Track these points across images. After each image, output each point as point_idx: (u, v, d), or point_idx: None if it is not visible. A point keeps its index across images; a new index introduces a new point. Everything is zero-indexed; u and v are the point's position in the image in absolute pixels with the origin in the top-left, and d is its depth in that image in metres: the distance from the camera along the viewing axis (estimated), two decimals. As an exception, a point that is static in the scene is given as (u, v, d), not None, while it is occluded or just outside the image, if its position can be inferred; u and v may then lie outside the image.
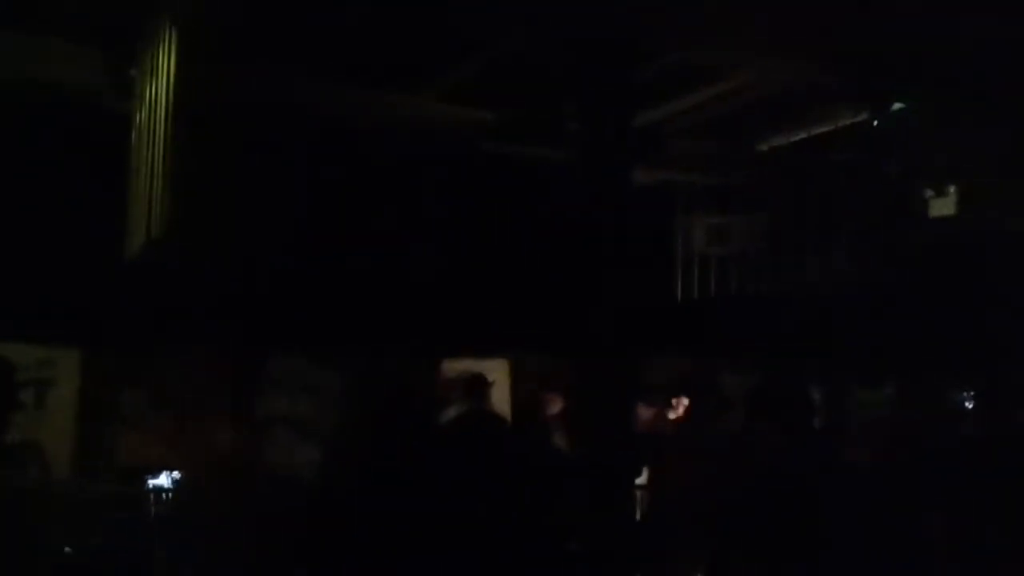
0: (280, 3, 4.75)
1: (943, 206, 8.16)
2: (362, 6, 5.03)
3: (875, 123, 6.30)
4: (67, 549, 4.17)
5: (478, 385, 5.99)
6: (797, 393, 3.39)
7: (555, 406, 6.16)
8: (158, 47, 4.30)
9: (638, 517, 5.06)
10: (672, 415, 6.39)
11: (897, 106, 6.08)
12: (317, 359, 5.74)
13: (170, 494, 5.31)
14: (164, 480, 5.49)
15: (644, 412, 6.18)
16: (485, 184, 6.73)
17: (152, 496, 5.44)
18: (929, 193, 8.13)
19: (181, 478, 5.10)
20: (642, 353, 6.84)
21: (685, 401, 6.06)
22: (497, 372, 7.07)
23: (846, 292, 8.50)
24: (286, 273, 5.36)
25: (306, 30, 5.12)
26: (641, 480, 5.38)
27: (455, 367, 6.66)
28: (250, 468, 3.90)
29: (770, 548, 2.68)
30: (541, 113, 6.24)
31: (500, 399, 6.95)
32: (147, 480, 5.52)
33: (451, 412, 5.25)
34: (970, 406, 5.97)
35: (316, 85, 5.70)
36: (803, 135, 7.43)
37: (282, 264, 5.21)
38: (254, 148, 4.01)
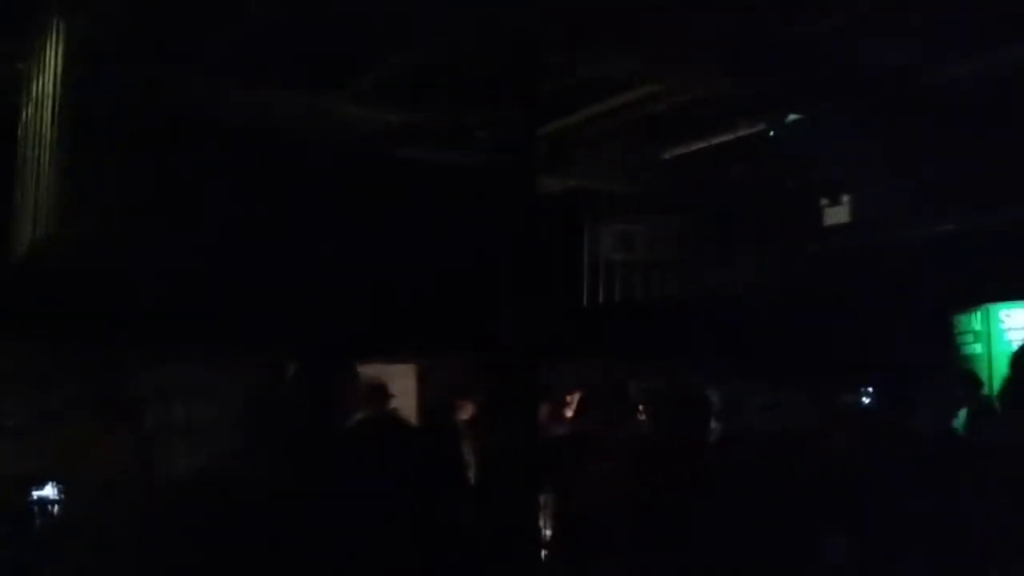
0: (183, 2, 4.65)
1: (837, 215, 8.48)
2: (273, 6, 4.96)
3: (772, 133, 6.49)
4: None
5: (378, 390, 5.94)
6: (692, 396, 3.46)
7: (466, 412, 6.15)
8: (46, 41, 4.14)
9: (543, 522, 5.08)
10: (568, 412, 6.46)
11: (793, 117, 6.27)
12: (215, 365, 5.61)
13: (55, 505, 5.10)
14: (49, 491, 5.26)
15: (541, 410, 6.21)
16: (393, 188, 6.69)
17: (36, 508, 5.20)
18: (824, 202, 8.45)
19: (67, 488, 4.89)
20: (550, 358, 6.90)
21: (578, 397, 6.14)
22: (404, 377, 7.03)
23: (747, 298, 8.74)
24: (181, 276, 5.22)
25: (213, 29, 5.02)
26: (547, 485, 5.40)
27: (361, 372, 6.58)
28: (141, 476, 3.78)
29: (662, 548, 2.72)
30: (449, 118, 6.24)
31: (407, 404, 6.90)
32: (31, 491, 5.28)
33: (354, 417, 5.18)
34: (868, 408, 6.19)
35: (220, 84, 5.58)
36: (704, 144, 7.60)
37: (177, 267, 5.08)
38: (150, 147, 3.89)
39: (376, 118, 6.43)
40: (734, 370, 7.14)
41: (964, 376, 6.67)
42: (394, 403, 6.84)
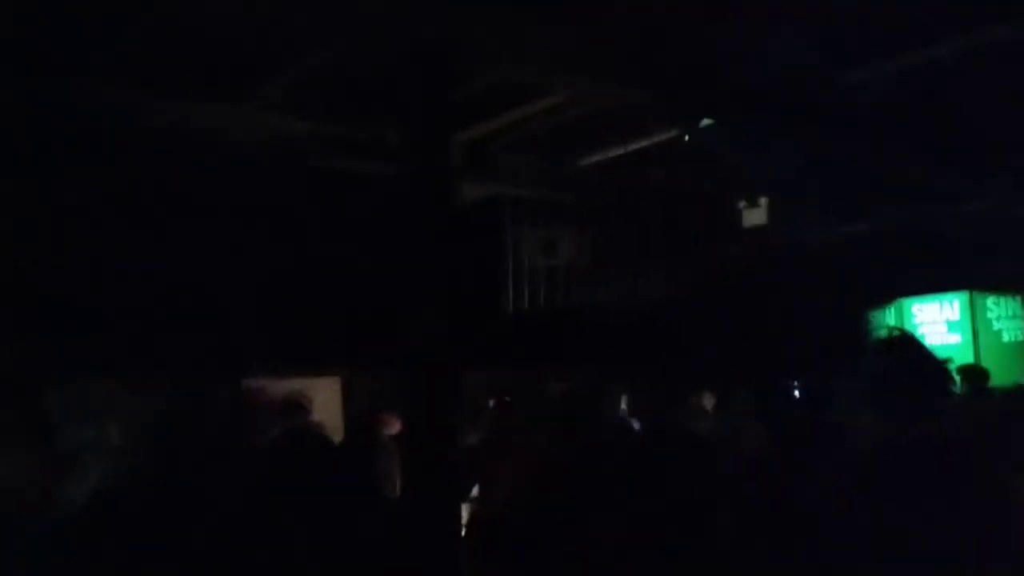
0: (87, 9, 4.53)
1: (755, 217, 8.65)
2: (186, 12, 4.86)
3: (686, 138, 6.58)
4: None
5: (296, 404, 5.82)
6: (582, 399, 3.48)
7: (392, 426, 6.03)
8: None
9: (464, 530, 5.04)
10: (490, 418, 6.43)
11: (706, 122, 6.37)
12: (127, 383, 5.43)
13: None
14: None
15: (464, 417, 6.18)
16: (309, 197, 6.59)
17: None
18: (742, 204, 8.61)
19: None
20: (472, 366, 6.87)
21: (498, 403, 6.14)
22: (327, 390, 6.92)
23: (666, 303, 8.85)
24: (85, 291, 5.05)
25: (117, 36, 4.89)
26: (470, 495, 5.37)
27: (282, 385, 6.46)
28: (50, 499, 3.62)
29: (562, 548, 2.72)
30: (361, 126, 6.18)
31: (331, 418, 6.79)
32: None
33: (273, 431, 5.07)
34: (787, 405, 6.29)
35: (124, 91, 5.44)
36: (623, 151, 7.68)
37: (81, 282, 4.91)
38: (45, 157, 3.76)
39: (288, 127, 6.34)
40: (655, 372, 7.22)
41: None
42: (319, 417, 6.74)
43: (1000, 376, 6.25)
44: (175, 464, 3.52)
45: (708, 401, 7.25)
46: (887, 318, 7.94)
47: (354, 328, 6.32)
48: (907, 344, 2.84)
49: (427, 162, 5.00)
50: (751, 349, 7.62)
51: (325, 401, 6.84)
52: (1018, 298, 7.29)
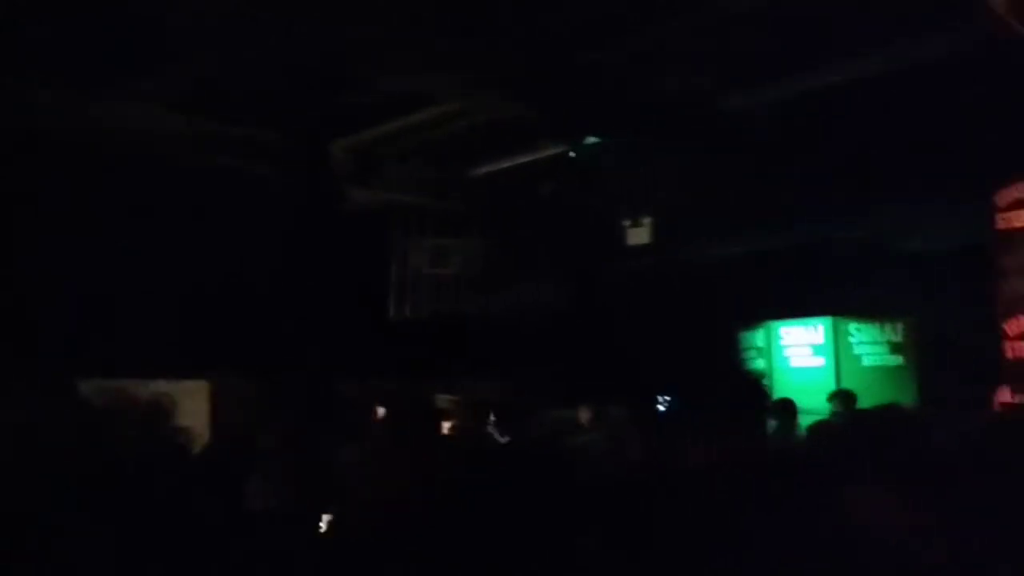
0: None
1: (639, 235, 8.82)
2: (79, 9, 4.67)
3: (572, 155, 6.66)
4: None
5: (157, 410, 5.60)
6: (419, 405, 3.48)
7: (268, 431, 5.88)
8: None
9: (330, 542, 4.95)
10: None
11: (591, 140, 6.46)
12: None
13: None
14: None
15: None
16: (186, 197, 6.39)
17: None
18: (626, 223, 8.77)
19: None
20: (357, 373, 6.78)
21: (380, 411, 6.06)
22: (194, 395, 6.68)
23: (551, 315, 8.94)
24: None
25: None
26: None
27: (146, 389, 6.21)
28: None
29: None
30: (243, 125, 6.04)
31: (199, 425, 6.55)
32: None
33: (134, 438, 4.87)
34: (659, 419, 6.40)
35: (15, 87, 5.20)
36: (510, 164, 7.74)
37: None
38: None
39: (169, 127, 6.15)
40: (537, 382, 7.28)
41: (751, 389, 7.04)
42: (186, 423, 6.51)
43: (860, 398, 6.54)
44: (22, 481, 3.33)
45: (584, 414, 7.33)
46: (757, 339, 8.21)
47: (225, 331, 6.15)
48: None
49: (306, 166, 4.93)
50: (627, 364, 7.76)
51: (193, 407, 6.61)
52: (878, 325, 7.65)
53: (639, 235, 8.81)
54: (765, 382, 3.11)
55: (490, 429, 5.43)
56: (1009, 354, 6.24)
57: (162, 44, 5.19)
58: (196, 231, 6.44)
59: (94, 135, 5.98)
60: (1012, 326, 6.27)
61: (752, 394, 3.26)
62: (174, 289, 6.28)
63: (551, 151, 7.12)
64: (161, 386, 6.67)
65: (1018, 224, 6.32)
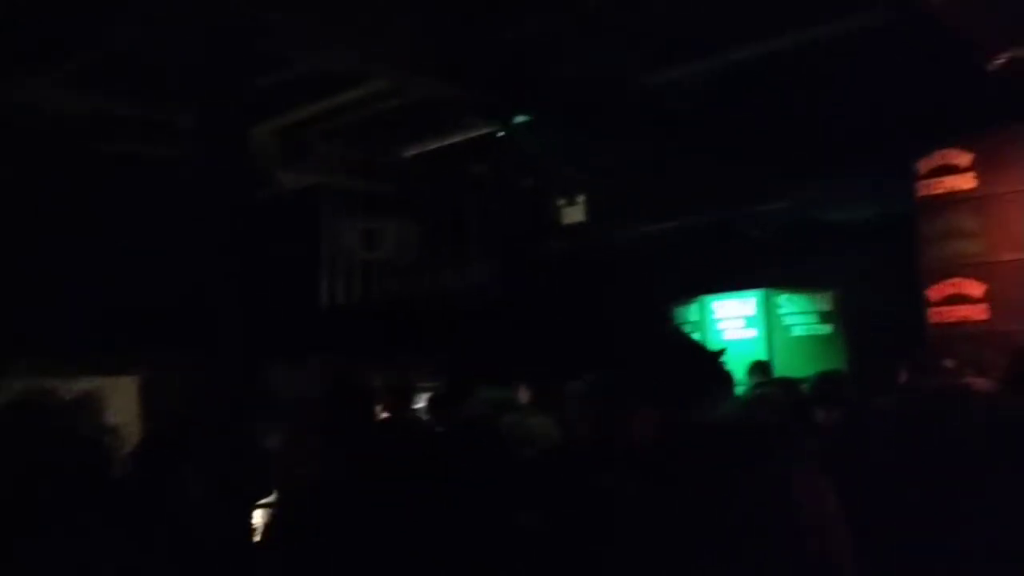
0: None
1: (573, 214, 8.83)
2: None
3: (500, 134, 6.62)
4: None
5: (81, 407, 5.43)
6: (347, 387, 3.43)
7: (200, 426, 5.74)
8: None
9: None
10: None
11: (521, 118, 6.42)
12: None
13: None
14: None
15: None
16: (99, 182, 6.17)
17: None
18: (560, 202, 8.77)
19: None
20: (289, 359, 6.65)
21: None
22: (122, 391, 6.49)
23: (486, 295, 8.90)
24: None
25: None
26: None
27: (72, 386, 6.01)
28: None
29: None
30: (159, 108, 5.85)
31: (127, 421, 6.36)
32: None
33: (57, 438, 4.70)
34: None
35: None
36: (440, 144, 7.66)
37: None
38: None
39: (80, 109, 5.93)
40: (473, 364, 7.25)
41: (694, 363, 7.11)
42: (114, 420, 6.33)
43: (790, 368, 6.66)
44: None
45: (523, 395, 7.33)
46: (691, 313, 8.30)
47: (150, 323, 5.98)
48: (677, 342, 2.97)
49: (225, 148, 4.79)
50: (563, 342, 7.77)
51: (121, 403, 6.43)
52: (808, 295, 7.79)
53: (573, 214, 8.82)
54: (713, 357, 3.09)
55: (423, 413, 5.39)
56: (932, 319, 6.41)
57: (67, 20, 4.99)
58: (113, 220, 6.24)
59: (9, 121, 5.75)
60: (934, 292, 6.44)
61: (694, 367, 3.26)
62: (93, 282, 6.07)
63: (482, 130, 7.07)
64: (86, 383, 6.47)
65: (938, 191, 6.49)
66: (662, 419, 3.55)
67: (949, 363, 4.80)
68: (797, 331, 7.81)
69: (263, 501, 5.04)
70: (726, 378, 3.41)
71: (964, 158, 6.37)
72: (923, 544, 3.64)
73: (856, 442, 3.89)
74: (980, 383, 5.53)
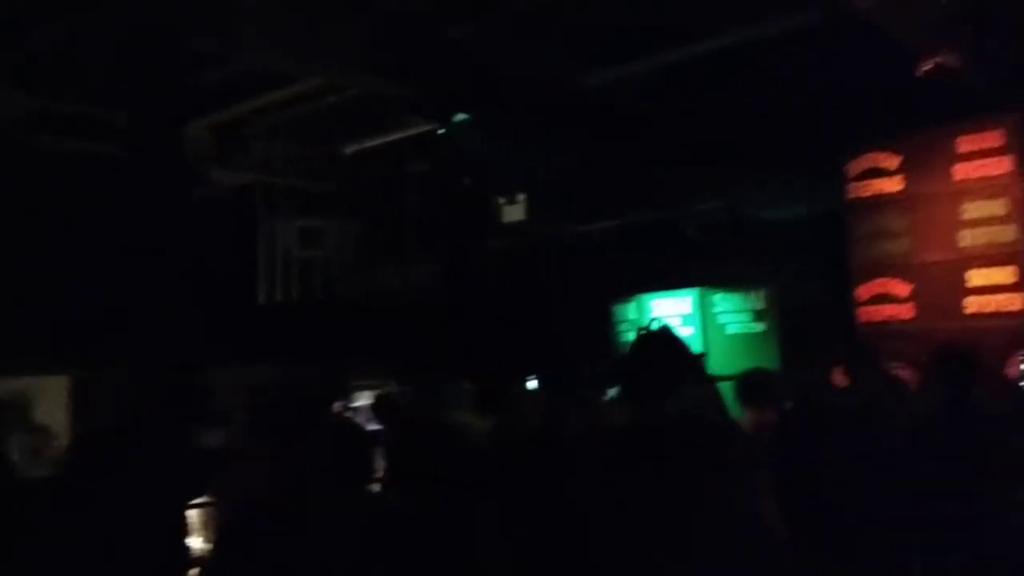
0: None
1: (513, 212, 8.85)
2: None
3: (440, 132, 6.61)
4: None
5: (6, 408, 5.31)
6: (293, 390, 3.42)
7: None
8: None
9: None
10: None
11: (460, 117, 6.41)
12: None
13: None
14: None
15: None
16: (35, 180, 6.02)
17: None
18: (501, 200, 8.79)
19: None
20: (225, 361, 6.55)
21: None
22: (51, 392, 6.34)
23: (426, 295, 8.89)
24: None
25: None
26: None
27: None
28: None
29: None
30: (94, 105, 5.73)
31: (57, 423, 6.22)
32: None
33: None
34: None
35: None
36: (379, 142, 7.62)
37: None
38: None
39: (12, 104, 5.77)
40: (414, 364, 7.23)
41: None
42: (43, 422, 6.19)
43: (724, 364, 6.76)
44: None
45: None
46: (629, 311, 8.38)
47: (81, 323, 5.84)
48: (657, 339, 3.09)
49: (159, 146, 4.70)
50: (503, 341, 7.80)
51: (50, 405, 6.27)
52: (742, 294, 7.93)
53: (513, 212, 8.85)
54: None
55: (364, 415, 5.37)
56: (861, 318, 6.58)
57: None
58: (46, 217, 6.09)
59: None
60: (863, 291, 6.61)
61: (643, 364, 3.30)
62: (21, 282, 5.92)
63: (420, 128, 7.05)
64: (12, 384, 6.31)
65: (867, 193, 6.66)
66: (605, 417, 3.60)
67: (882, 361, 4.94)
68: (731, 329, 7.95)
69: (197, 501, 4.97)
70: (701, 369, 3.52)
71: (892, 161, 6.55)
72: (857, 538, 3.75)
73: (791, 441, 4.00)
74: (906, 375, 5.72)
